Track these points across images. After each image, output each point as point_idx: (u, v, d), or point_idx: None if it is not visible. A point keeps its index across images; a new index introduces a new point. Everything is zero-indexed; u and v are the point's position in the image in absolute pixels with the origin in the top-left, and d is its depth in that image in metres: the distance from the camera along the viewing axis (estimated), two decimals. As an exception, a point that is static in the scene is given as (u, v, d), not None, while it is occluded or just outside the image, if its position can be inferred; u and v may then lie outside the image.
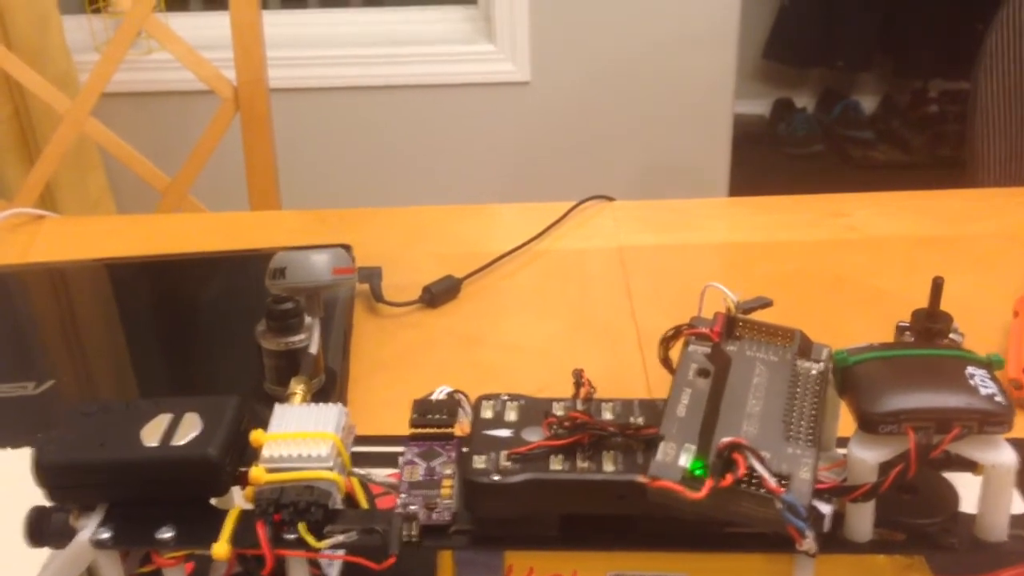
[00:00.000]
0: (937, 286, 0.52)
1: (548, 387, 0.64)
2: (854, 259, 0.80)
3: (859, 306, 0.74)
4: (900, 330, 0.53)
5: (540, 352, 0.70)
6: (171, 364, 0.69)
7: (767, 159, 2.57)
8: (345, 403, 0.61)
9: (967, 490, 0.39)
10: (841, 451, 0.40)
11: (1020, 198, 0.90)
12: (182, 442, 0.37)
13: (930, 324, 0.52)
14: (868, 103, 2.78)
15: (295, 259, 0.45)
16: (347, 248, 0.76)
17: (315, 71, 1.87)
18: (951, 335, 0.52)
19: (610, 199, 0.91)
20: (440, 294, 0.76)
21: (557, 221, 0.86)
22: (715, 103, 1.95)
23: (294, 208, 1.24)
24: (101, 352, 0.71)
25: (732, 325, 0.40)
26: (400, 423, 0.48)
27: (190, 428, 0.38)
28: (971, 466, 0.38)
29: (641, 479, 0.33)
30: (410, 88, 1.90)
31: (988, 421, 0.35)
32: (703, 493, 0.32)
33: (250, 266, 0.80)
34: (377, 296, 0.74)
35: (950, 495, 0.38)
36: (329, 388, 0.53)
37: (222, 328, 0.72)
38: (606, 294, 0.76)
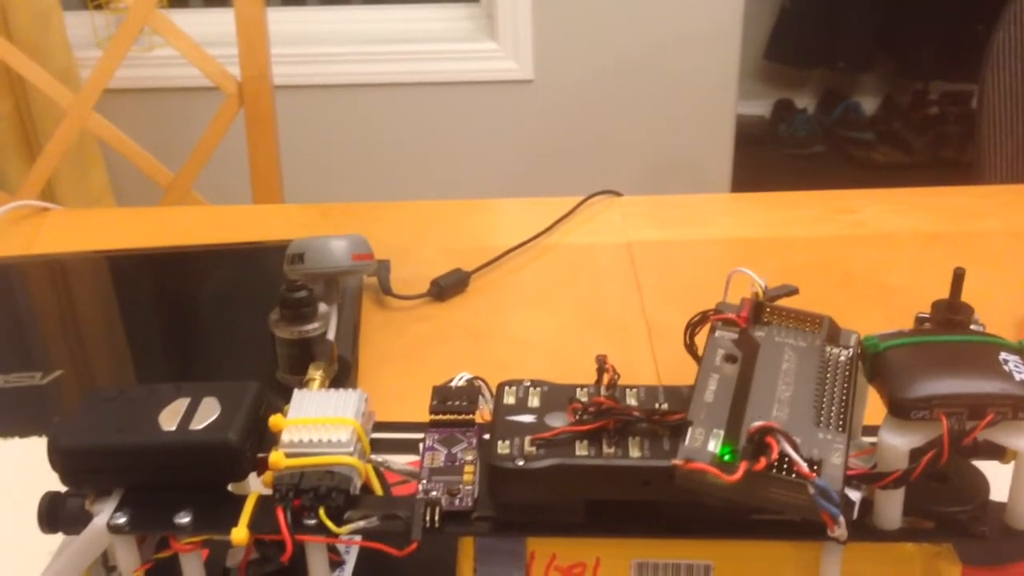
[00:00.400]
0: (958, 276, 0.51)
1: (559, 380, 0.64)
2: (863, 255, 0.80)
3: (869, 302, 0.74)
4: (919, 321, 0.52)
5: (549, 346, 0.69)
6: (179, 356, 0.69)
7: (768, 159, 2.57)
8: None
9: (995, 479, 0.38)
10: (867, 439, 0.39)
11: (1026, 196, 0.90)
12: (200, 426, 0.36)
13: (951, 315, 0.51)
14: (869, 104, 2.78)
15: (314, 245, 0.45)
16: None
17: (318, 68, 1.87)
18: (972, 326, 0.51)
19: (618, 194, 0.91)
20: (448, 287, 0.75)
21: (565, 216, 0.86)
22: (718, 102, 1.95)
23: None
24: (108, 343, 0.70)
25: (759, 311, 0.39)
26: (410, 415, 0.47)
27: (209, 413, 0.37)
28: (999, 454, 0.38)
29: (675, 462, 0.32)
30: (413, 86, 1.89)
31: (1022, 407, 0.34)
32: (738, 475, 0.31)
33: (256, 258, 0.79)
34: (385, 289, 0.74)
35: (980, 483, 0.38)
36: (342, 377, 0.53)
37: (231, 320, 0.71)
38: (615, 288, 0.76)
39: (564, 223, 0.85)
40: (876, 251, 0.80)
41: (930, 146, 2.59)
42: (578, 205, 0.88)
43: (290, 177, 1.33)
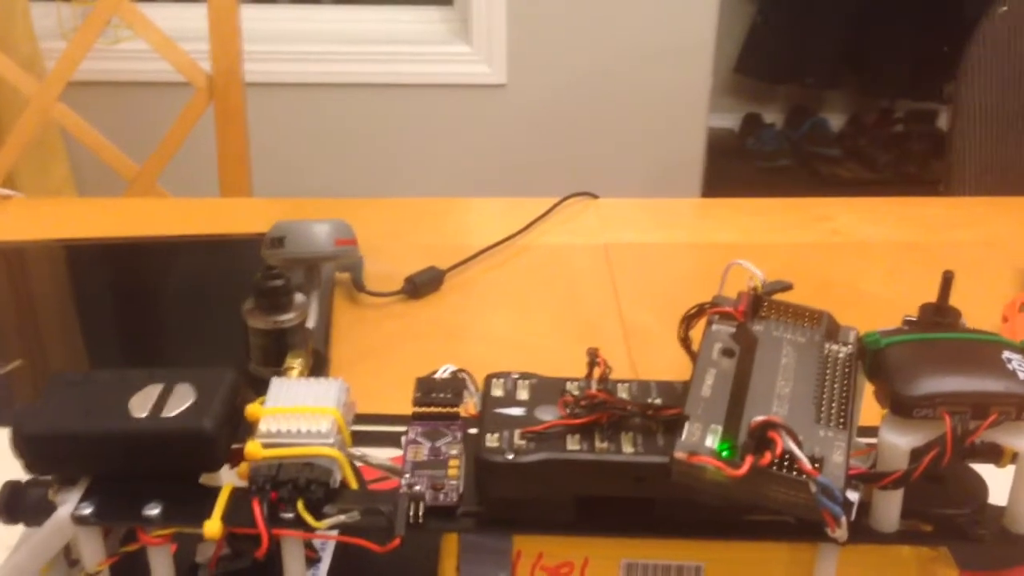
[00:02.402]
0: (947, 280, 0.51)
1: (536, 380, 0.62)
2: (839, 262, 0.79)
3: (845, 309, 0.73)
4: (906, 323, 0.52)
5: (525, 346, 0.68)
6: (140, 347, 0.67)
7: (737, 172, 2.58)
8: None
9: (991, 483, 0.37)
10: (863, 440, 0.38)
11: (1000, 207, 0.91)
12: (173, 413, 0.35)
13: (939, 318, 0.50)
14: (836, 121, 2.81)
15: (295, 228, 0.43)
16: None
17: (290, 66, 1.84)
18: (960, 330, 0.51)
19: (595, 196, 0.90)
20: (423, 285, 0.74)
21: (542, 216, 0.85)
22: (690, 113, 1.95)
23: (266, 203, 1.21)
24: (67, 333, 0.68)
25: (757, 304, 0.38)
26: (383, 412, 0.45)
27: (182, 399, 0.35)
28: (996, 457, 0.37)
29: (678, 455, 0.31)
30: (385, 87, 1.88)
31: (1027, 406, 0.34)
32: (744, 470, 0.30)
33: (223, 251, 0.78)
34: (359, 285, 0.72)
35: (978, 486, 0.37)
36: (317, 371, 0.51)
37: (195, 313, 0.69)
38: (592, 290, 0.75)
39: (540, 224, 0.84)
40: (852, 258, 0.80)
41: (895, 163, 2.62)
42: (555, 206, 0.87)
43: (259, 175, 1.31)
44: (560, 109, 1.92)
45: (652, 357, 0.66)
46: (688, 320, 0.39)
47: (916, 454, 0.34)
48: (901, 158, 2.60)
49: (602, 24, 1.86)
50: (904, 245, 0.82)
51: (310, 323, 0.44)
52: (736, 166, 2.61)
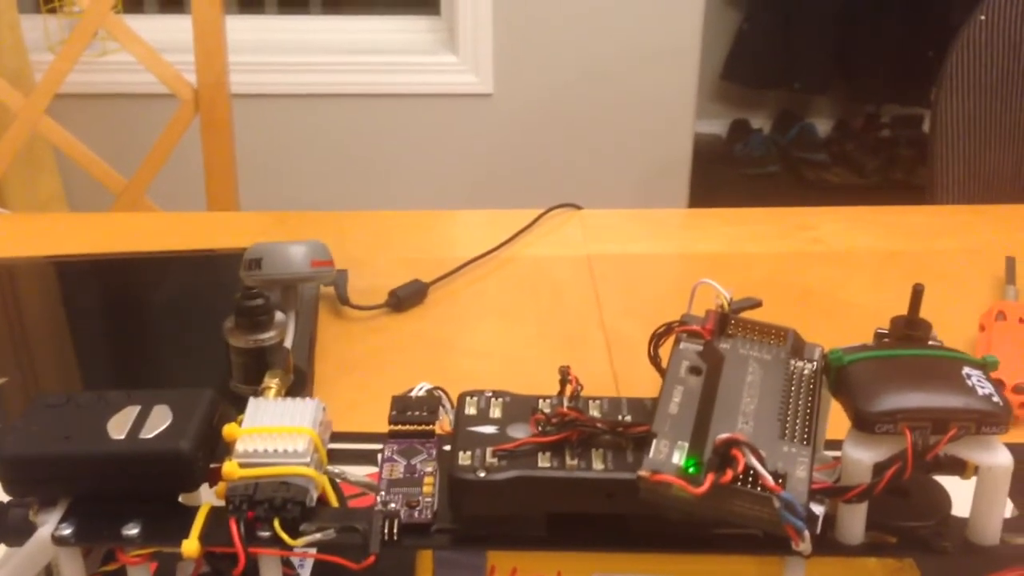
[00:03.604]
0: (917, 293, 0.51)
1: (517, 393, 0.63)
2: (821, 271, 0.80)
3: (826, 318, 0.74)
4: (878, 337, 0.52)
5: (508, 358, 0.69)
6: (128, 364, 0.67)
7: (724, 178, 2.59)
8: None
9: (955, 495, 0.38)
10: (830, 453, 0.39)
11: (982, 215, 0.91)
12: (151, 435, 0.35)
13: (910, 331, 0.51)
14: (823, 126, 2.82)
15: (272, 250, 0.43)
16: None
17: (276, 77, 1.85)
18: (930, 342, 0.52)
19: (578, 207, 0.91)
20: (407, 298, 0.74)
21: (525, 228, 0.85)
22: (676, 120, 1.96)
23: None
24: (55, 350, 0.68)
25: (724, 323, 0.39)
26: (366, 426, 0.46)
27: (160, 421, 0.36)
28: (960, 469, 0.38)
29: (641, 473, 0.32)
30: (372, 97, 1.88)
31: (986, 422, 0.34)
32: (704, 487, 0.31)
33: (210, 266, 0.78)
34: (343, 299, 0.73)
35: (942, 498, 0.38)
36: (298, 388, 0.51)
37: (183, 328, 0.70)
38: (575, 301, 0.76)
39: (524, 236, 0.85)
40: (833, 268, 0.81)
41: (882, 168, 2.63)
42: (538, 218, 0.87)
43: (246, 186, 1.31)
44: (547, 118, 1.93)
45: (634, 368, 0.67)
46: (657, 338, 0.39)
47: (879, 468, 0.35)
48: (888, 163, 2.62)
49: (588, 33, 1.87)
50: (886, 254, 0.83)
51: (288, 342, 0.44)
52: (723, 172, 2.63)
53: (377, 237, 0.85)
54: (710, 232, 0.87)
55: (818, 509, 0.35)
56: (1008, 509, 0.39)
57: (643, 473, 0.32)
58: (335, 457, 0.39)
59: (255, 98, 1.81)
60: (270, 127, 1.88)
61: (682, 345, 0.38)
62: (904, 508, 0.37)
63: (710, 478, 0.31)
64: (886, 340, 0.52)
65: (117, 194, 1.24)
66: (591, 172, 1.97)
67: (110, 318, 0.74)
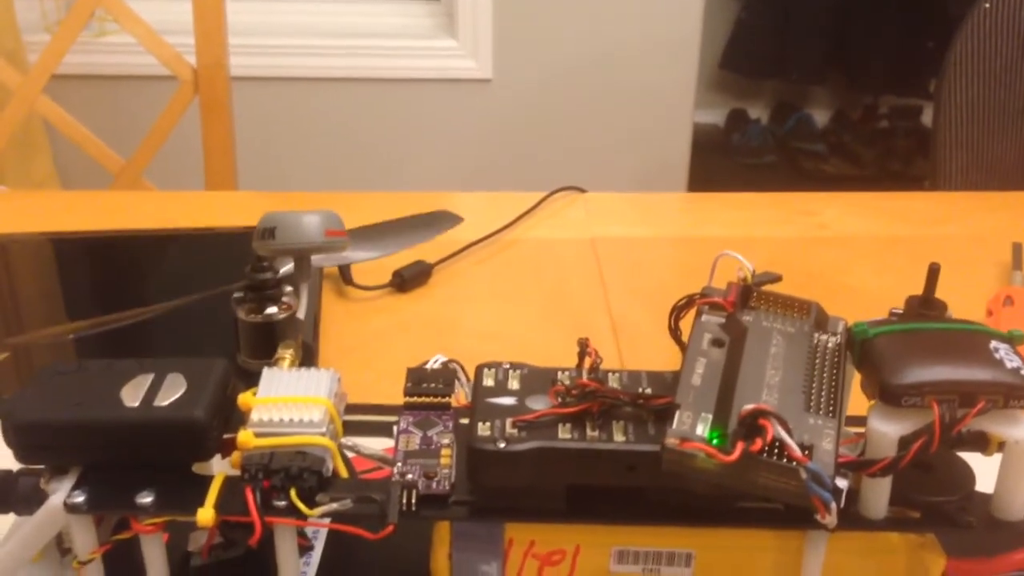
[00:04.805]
0: (933, 272, 0.51)
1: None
2: (825, 256, 0.80)
3: (831, 303, 0.73)
4: (893, 316, 0.52)
5: (513, 339, 0.68)
6: (131, 341, 0.66)
7: (722, 168, 2.59)
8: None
9: (978, 471, 0.38)
10: (851, 429, 0.39)
11: (986, 202, 0.91)
12: (165, 403, 0.35)
13: (925, 311, 0.51)
14: (820, 116, 2.82)
15: (286, 219, 0.43)
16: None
17: (276, 60, 1.84)
18: (946, 323, 0.51)
19: (582, 191, 0.90)
20: (411, 279, 0.74)
21: (529, 210, 0.85)
22: (676, 108, 1.96)
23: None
24: (56, 327, 0.68)
25: (747, 295, 0.39)
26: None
27: (174, 389, 0.35)
28: (983, 446, 0.37)
29: (669, 440, 0.31)
30: (371, 82, 1.87)
31: (1014, 395, 0.34)
32: (735, 455, 0.30)
33: (209, 244, 0.77)
34: (347, 279, 0.72)
35: (966, 473, 0.37)
36: (307, 363, 0.51)
37: (182, 306, 0.69)
38: (579, 284, 0.75)
39: (528, 218, 0.84)
40: (837, 252, 0.80)
41: (879, 159, 2.63)
42: (542, 200, 0.87)
43: (244, 169, 1.30)
44: (546, 104, 1.92)
45: (640, 350, 0.66)
46: (678, 311, 0.39)
47: (904, 442, 0.35)
48: (885, 154, 2.62)
49: (588, 19, 1.86)
50: (890, 239, 0.83)
51: (300, 314, 0.44)
52: (721, 162, 2.62)
53: (381, 217, 0.84)
54: (714, 216, 0.87)
55: (842, 483, 0.34)
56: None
57: (670, 441, 0.31)
58: (350, 429, 0.39)
59: (254, 81, 1.79)
60: (269, 110, 1.87)
61: (704, 317, 0.38)
62: (928, 483, 0.37)
63: (740, 446, 0.30)
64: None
65: (115, 175, 1.23)
66: (590, 159, 1.96)
67: (109, 296, 0.73)
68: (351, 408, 0.40)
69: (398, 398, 0.40)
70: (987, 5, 1.19)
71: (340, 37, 1.86)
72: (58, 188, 1.77)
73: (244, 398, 0.35)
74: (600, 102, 1.93)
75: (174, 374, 0.36)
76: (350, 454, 0.39)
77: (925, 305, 0.52)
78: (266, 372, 0.38)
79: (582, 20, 1.86)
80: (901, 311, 0.53)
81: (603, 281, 0.76)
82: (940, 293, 0.70)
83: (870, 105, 2.74)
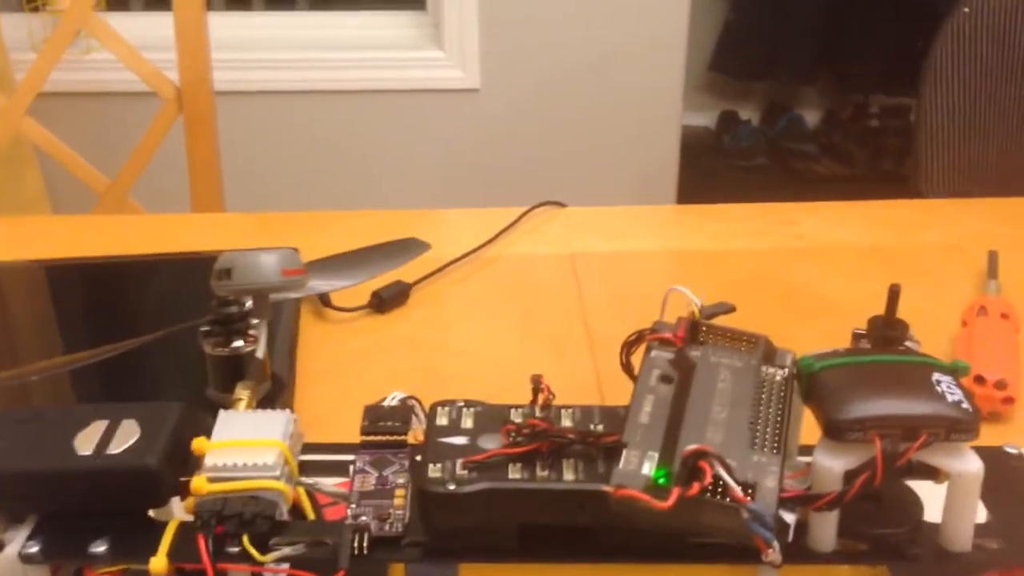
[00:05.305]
0: (894, 293, 0.51)
1: (500, 394, 0.63)
2: (804, 268, 0.80)
3: (809, 316, 0.74)
4: (856, 337, 0.52)
5: (492, 359, 0.69)
6: (111, 370, 0.66)
7: (713, 170, 2.59)
8: (292, 411, 0.59)
9: (929, 499, 0.38)
10: (804, 459, 0.39)
11: (966, 208, 0.91)
12: (119, 450, 0.35)
13: (887, 332, 0.51)
14: (811, 117, 2.82)
15: (242, 259, 0.43)
16: (295, 250, 0.74)
17: (261, 74, 1.84)
18: (907, 342, 0.52)
19: (562, 205, 0.90)
20: (389, 299, 0.74)
21: (508, 227, 0.85)
22: (664, 113, 1.96)
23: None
24: (37, 355, 0.68)
25: (696, 330, 0.39)
26: (348, 431, 0.46)
27: (128, 436, 0.35)
28: (933, 474, 0.37)
29: (605, 488, 0.32)
30: (357, 94, 1.88)
31: (955, 428, 0.34)
32: (670, 502, 0.31)
33: (191, 269, 0.77)
34: (325, 301, 0.72)
35: (914, 504, 0.38)
36: (275, 395, 0.51)
37: (155, 340, 0.69)
38: (558, 301, 0.75)
39: (507, 234, 0.84)
40: (816, 264, 0.81)
41: (870, 159, 2.63)
42: (521, 216, 0.87)
43: (231, 184, 1.31)
44: (534, 112, 1.92)
45: (617, 368, 0.67)
46: (628, 346, 0.39)
47: (851, 475, 0.35)
48: (876, 154, 2.62)
49: (574, 26, 1.86)
50: (868, 249, 0.83)
51: (260, 352, 0.44)
52: (712, 165, 2.62)
53: (358, 237, 0.84)
54: (694, 229, 0.87)
55: (789, 517, 0.35)
56: (983, 514, 0.39)
57: (608, 488, 0.32)
58: (310, 468, 0.39)
59: (241, 95, 1.80)
60: (256, 124, 1.87)
61: (653, 353, 0.38)
62: (876, 515, 0.37)
63: (676, 492, 0.31)
64: (863, 341, 0.52)
65: (101, 194, 1.24)
66: (579, 166, 1.97)
67: (97, 322, 0.73)
68: (310, 447, 0.40)
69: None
70: (966, 9, 1.19)
71: (326, 49, 1.87)
72: (48, 209, 1.77)
73: (198, 443, 0.36)
74: (589, 108, 1.94)
75: (129, 420, 0.36)
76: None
77: (887, 326, 0.53)
78: (222, 415, 0.38)
79: (568, 27, 1.86)
80: (864, 331, 0.53)
81: (581, 298, 0.76)
82: (917, 303, 0.70)
83: (860, 104, 2.75)
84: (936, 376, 0.36)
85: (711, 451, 0.32)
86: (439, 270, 0.78)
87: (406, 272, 0.75)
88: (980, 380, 0.61)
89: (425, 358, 0.69)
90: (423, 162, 1.95)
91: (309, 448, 0.40)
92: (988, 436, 0.58)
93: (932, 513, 0.38)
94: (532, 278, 0.79)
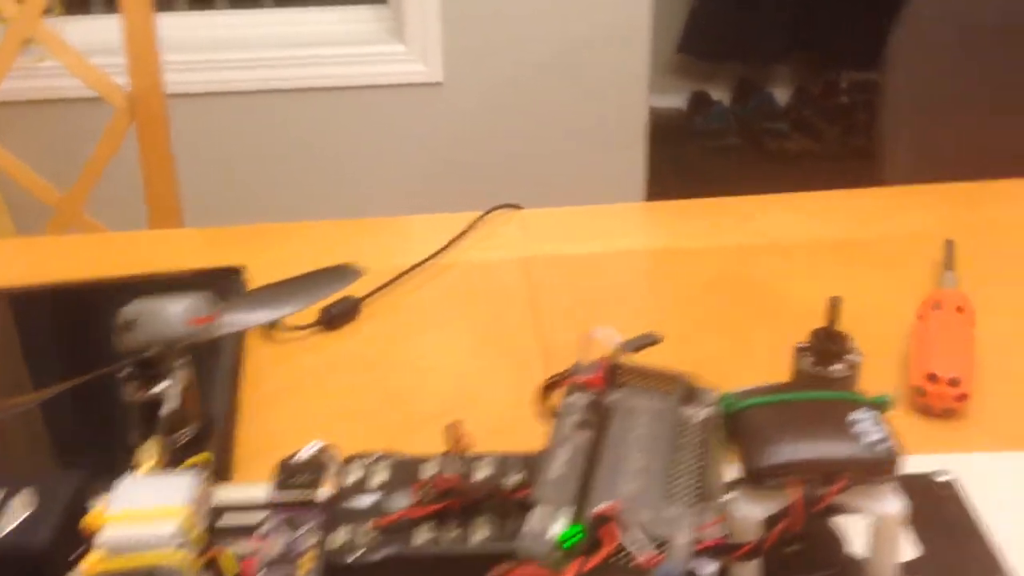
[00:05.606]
0: (834, 305, 0.51)
1: (452, 410, 0.61)
2: (764, 265, 0.79)
3: (769, 316, 0.73)
4: (799, 351, 0.52)
5: (444, 373, 0.67)
6: (53, 410, 0.65)
7: (684, 152, 2.58)
8: (231, 446, 0.58)
9: (861, 529, 0.37)
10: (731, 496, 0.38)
11: (925, 196, 0.90)
12: (9, 527, 0.33)
13: (829, 344, 0.51)
14: (781, 95, 2.81)
15: (146, 310, 0.42)
16: (237, 270, 0.73)
17: (219, 75, 1.82)
18: (849, 355, 0.51)
19: (517, 207, 0.89)
20: (339, 315, 0.72)
21: (462, 233, 0.84)
22: (630, 100, 1.94)
23: (196, 220, 1.19)
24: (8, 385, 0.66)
25: (615, 372, 0.38)
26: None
27: (22, 509, 0.34)
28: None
29: (500, 568, 0.30)
30: (320, 91, 1.85)
31: (873, 471, 0.33)
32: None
33: (158, 290, 0.75)
34: (272, 320, 0.71)
35: (839, 543, 0.37)
36: (203, 436, 0.50)
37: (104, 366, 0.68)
38: (511, 309, 0.74)
39: (461, 241, 0.83)
40: (776, 261, 0.79)
41: (841, 135, 2.63)
42: (475, 221, 0.85)
43: (188, 191, 1.29)
44: (499, 104, 1.91)
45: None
46: (547, 391, 0.38)
47: (773, 520, 0.34)
48: (847, 130, 2.62)
49: (537, 14, 1.84)
50: (826, 243, 0.82)
51: (167, 407, 0.43)
52: (684, 147, 2.62)
53: (308, 250, 0.83)
54: (651, 228, 0.86)
55: (708, 569, 0.34)
56: (915, 549, 0.38)
57: (497, 571, 0.30)
58: (225, 532, 0.38)
59: (197, 97, 1.77)
60: (214, 126, 1.85)
61: (570, 398, 0.37)
62: (800, 558, 0.36)
63: (574, 567, 0.30)
64: (807, 353, 0.51)
65: (55, 207, 1.22)
66: (547, 156, 1.95)
67: (55, 351, 0.72)
68: (222, 510, 0.39)
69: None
70: (924, -11, 1.18)
71: (286, 47, 1.84)
72: (9, 222, 1.75)
73: (91, 518, 0.34)
74: (555, 97, 1.92)
75: (27, 490, 0.35)
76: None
77: (829, 338, 0.52)
78: (122, 481, 0.36)
79: (531, 16, 1.84)
80: (807, 345, 0.53)
81: (535, 305, 0.75)
82: (875, 298, 0.69)
83: (831, 81, 2.74)
84: (855, 414, 0.35)
85: (617, 512, 0.31)
86: (390, 282, 0.76)
87: (356, 285, 0.74)
88: (933, 378, 0.61)
89: (376, 376, 0.67)
90: (389, 158, 1.93)
91: (221, 511, 0.39)
92: (943, 434, 0.58)
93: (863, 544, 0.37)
94: (485, 286, 0.77)
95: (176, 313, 0.41)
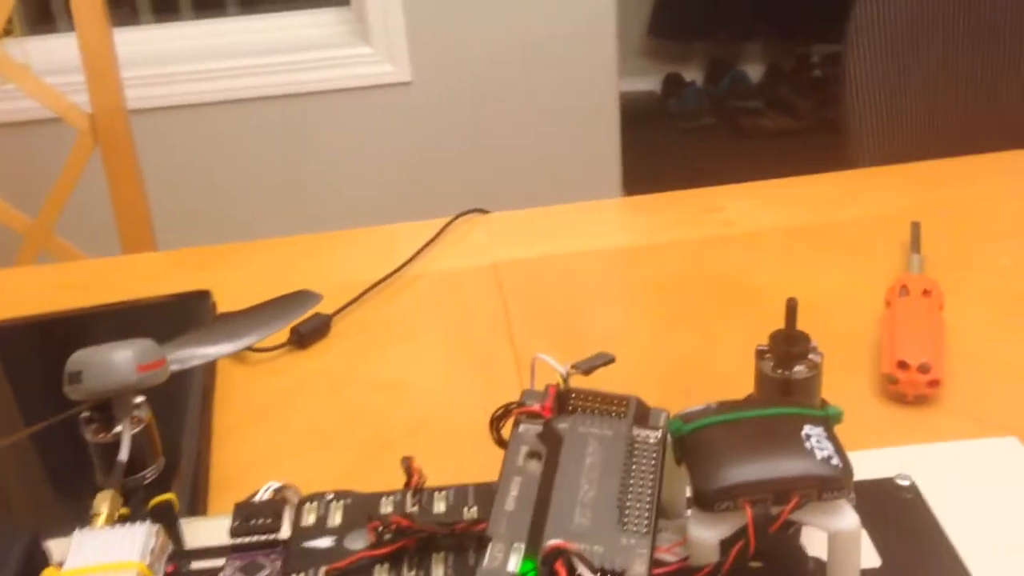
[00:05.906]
0: (791, 308, 0.50)
1: (424, 426, 0.62)
2: (733, 256, 0.79)
3: (739, 307, 0.73)
4: (760, 354, 0.51)
5: (416, 388, 0.67)
6: (11, 454, 0.64)
7: (660, 136, 2.58)
8: (206, 473, 0.57)
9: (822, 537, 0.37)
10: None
11: (890, 178, 0.90)
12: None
13: (788, 347, 0.50)
14: (754, 72, 2.81)
15: (92, 360, 0.41)
16: (206, 294, 0.72)
17: (183, 87, 1.80)
18: (810, 355, 0.51)
19: (484, 212, 0.89)
20: (309, 334, 0.72)
21: (429, 242, 0.83)
22: (601, 87, 1.94)
23: (169, 232, 1.19)
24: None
25: (564, 399, 0.37)
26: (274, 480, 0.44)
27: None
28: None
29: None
30: (287, 98, 1.84)
31: (826, 487, 0.33)
32: (519, 620, 0.29)
33: (133, 318, 0.75)
34: (240, 344, 0.70)
35: (801, 559, 0.36)
36: (168, 475, 0.49)
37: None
38: (482, 317, 0.74)
39: (429, 249, 0.82)
40: (745, 251, 0.79)
41: (815, 109, 2.62)
42: (443, 229, 0.85)
43: (160, 206, 1.28)
44: (471, 98, 1.90)
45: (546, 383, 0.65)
46: (497, 422, 0.38)
47: (727, 543, 0.34)
48: (820, 104, 2.61)
49: (501, 9, 1.84)
50: (795, 230, 0.82)
51: (122, 455, 0.42)
52: (658, 131, 2.61)
53: (275, 268, 0.82)
54: (620, 225, 0.85)
55: (669, 592, 0.34)
56: (875, 559, 0.38)
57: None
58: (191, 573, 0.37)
59: (163, 111, 1.76)
60: (181, 140, 1.83)
61: (521, 428, 0.37)
62: (764, 574, 0.36)
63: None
64: (767, 356, 0.51)
65: (23, 234, 1.21)
66: (519, 153, 1.95)
67: (30, 385, 0.71)
68: (184, 554, 0.39)
69: (295, 475, 0.39)
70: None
71: (252, 55, 1.83)
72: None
73: (46, 574, 0.34)
74: (524, 90, 1.91)
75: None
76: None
77: (788, 341, 0.52)
78: (76, 536, 0.36)
79: (495, 10, 1.84)
80: (767, 347, 0.52)
81: (506, 311, 0.74)
82: (843, 285, 0.68)
83: (802, 56, 2.74)
84: (807, 429, 0.35)
85: (569, 548, 0.31)
86: (358, 298, 0.76)
87: (325, 302, 0.74)
88: (903, 366, 0.61)
89: (348, 394, 0.67)
90: (364, 159, 1.92)
91: (183, 555, 0.39)
92: (916, 422, 0.58)
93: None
94: (455, 295, 0.77)
95: (123, 361, 0.40)
